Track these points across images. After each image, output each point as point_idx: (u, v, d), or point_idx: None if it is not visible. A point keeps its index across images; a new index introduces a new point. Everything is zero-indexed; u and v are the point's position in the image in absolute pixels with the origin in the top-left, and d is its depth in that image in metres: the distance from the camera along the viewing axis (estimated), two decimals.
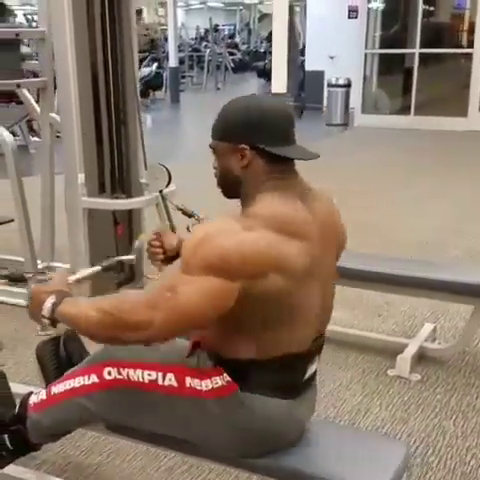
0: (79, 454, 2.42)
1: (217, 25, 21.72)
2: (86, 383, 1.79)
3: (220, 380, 1.62)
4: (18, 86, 3.76)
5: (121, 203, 3.49)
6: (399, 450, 1.76)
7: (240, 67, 21.95)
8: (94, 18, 3.40)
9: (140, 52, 16.81)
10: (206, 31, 22.28)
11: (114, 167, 3.59)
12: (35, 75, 4.01)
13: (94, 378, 1.77)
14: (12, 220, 3.78)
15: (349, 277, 3.17)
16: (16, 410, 1.94)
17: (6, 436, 1.94)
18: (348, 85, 11.19)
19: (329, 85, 11.36)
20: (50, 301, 1.64)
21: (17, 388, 2.17)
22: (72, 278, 1.85)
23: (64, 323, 1.64)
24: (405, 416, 2.70)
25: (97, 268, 2.04)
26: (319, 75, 12.26)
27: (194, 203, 2.51)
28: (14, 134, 8.50)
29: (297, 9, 14.38)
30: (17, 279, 3.71)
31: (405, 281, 3.15)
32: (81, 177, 3.35)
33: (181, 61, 17.78)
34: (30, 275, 2.07)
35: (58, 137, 3.74)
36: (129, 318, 1.50)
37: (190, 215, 3.46)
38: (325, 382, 2.95)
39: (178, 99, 14.14)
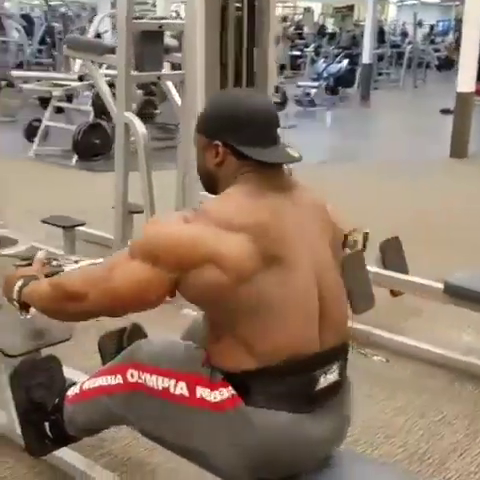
0: (142, 451, 2.38)
1: (421, 20, 20.80)
2: (112, 383, 1.75)
3: (227, 392, 1.53)
4: (158, 78, 3.83)
5: None
6: None
7: (445, 65, 20.91)
8: (228, 7, 3.35)
9: (340, 48, 16.79)
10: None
11: None
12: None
13: (119, 378, 1.73)
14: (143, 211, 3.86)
15: None
16: (57, 400, 1.94)
17: (47, 424, 1.95)
18: None
19: None
20: (18, 284, 1.75)
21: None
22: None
23: (30, 303, 1.74)
24: None
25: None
26: None
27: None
28: None
29: None
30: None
31: None
32: None
33: (380, 58, 17.34)
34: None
35: None
36: (69, 288, 1.58)
37: None
38: (425, 414, 2.66)
39: (368, 97, 13.75)
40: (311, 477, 1.59)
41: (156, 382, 1.63)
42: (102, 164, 6.78)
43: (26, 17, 14.21)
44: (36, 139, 7.25)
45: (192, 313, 3.48)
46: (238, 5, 3.43)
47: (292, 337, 1.51)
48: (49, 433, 1.96)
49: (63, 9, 14.10)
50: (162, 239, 1.50)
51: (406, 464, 2.36)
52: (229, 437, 1.54)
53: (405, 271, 3.32)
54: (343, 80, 13.16)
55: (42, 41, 14.22)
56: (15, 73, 8.54)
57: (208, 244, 1.46)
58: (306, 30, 23.44)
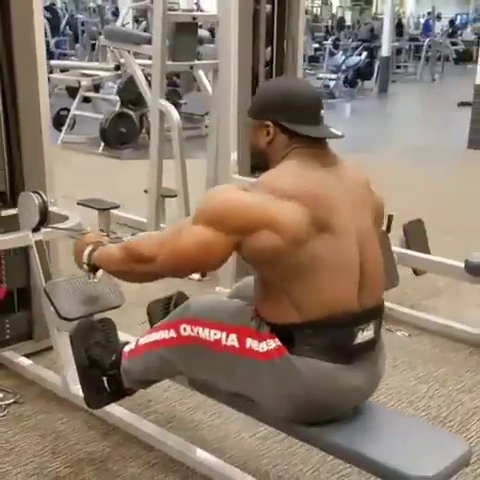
0: (185, 410, 2.58)
1: (440, 13, 20.81)
2: (166, 337, 1.95)
3: (273, 343, 1.72)
4: (191, 67, 4.01)
5: None
6: (460, 447, 1.71)
7: (463, 58, 20.89)
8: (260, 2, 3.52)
9: (359, 41, 16.86)
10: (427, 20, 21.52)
11: None
12: None
13: (173, 333, 1.93)
14: (176, 195, 4.05)
15: None
16: (114, 357, 2.14)
17: (105, 379, 2.15)
18: None
19: None
20: (88, 249, 1.96)
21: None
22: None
23: (100, 266, 1.96)
24: None
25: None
26: None
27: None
28: None
29: None
30: None
31: None
32: (234, 155, 3.50)
33: (398, 51, 17.38)
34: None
35: None
36: (139, 250, 1.77)
37: None
38: (446, 383, 2.87)
39: (386, 89, 13.85)
40: (346, 423, 1.78)
41: (209, 334, 1.82)
42: (129, 152, 6.98)
43: (50, 9, 14.40)
44: (64, 128, 7.46)
45: (224, 291, 3.70)
46: None
47: (335, 296, 1.69)
48: (107, 387, 2.15)
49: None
50: (223, 205, 1.66)
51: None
52: (276, 383, 1.73)
53: (427, 251, 3.49)
54: (362, 73, 13.27)
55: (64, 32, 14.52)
56: (53, 63, 8.72)
57: (265, 210, 1.63)
58: (324, 23, 23.51)
